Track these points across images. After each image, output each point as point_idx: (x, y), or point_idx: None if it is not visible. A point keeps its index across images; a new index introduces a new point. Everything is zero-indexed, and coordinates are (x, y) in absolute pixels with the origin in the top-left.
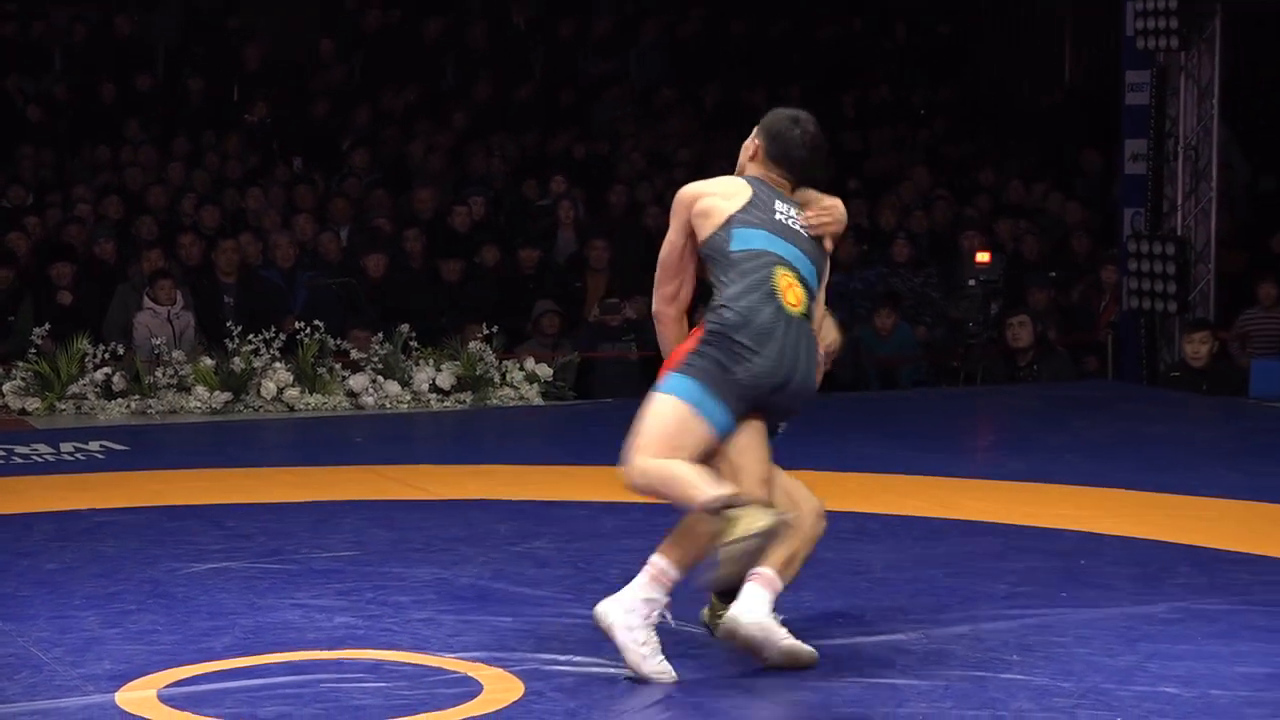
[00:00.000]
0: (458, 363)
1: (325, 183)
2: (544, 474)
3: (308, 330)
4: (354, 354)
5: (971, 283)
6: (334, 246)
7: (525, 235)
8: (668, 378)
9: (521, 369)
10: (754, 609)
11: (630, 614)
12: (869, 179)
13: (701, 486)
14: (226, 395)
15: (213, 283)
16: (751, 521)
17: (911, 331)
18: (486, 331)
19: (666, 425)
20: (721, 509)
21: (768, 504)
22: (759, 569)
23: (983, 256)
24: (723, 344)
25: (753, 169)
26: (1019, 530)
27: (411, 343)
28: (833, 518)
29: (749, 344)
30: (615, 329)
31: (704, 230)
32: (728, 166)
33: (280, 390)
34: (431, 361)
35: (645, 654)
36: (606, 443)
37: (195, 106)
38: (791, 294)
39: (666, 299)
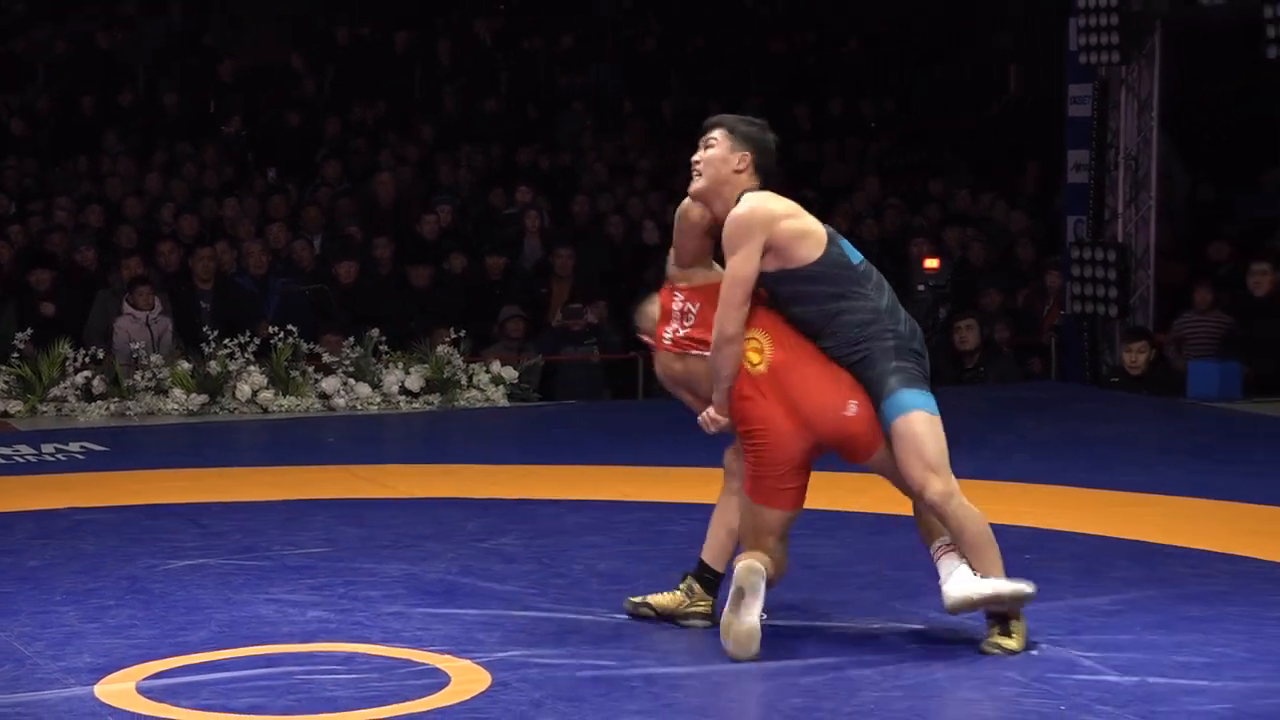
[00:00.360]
0: (426, 366)
1: (299, 193)
2: (509, 473)
3: (281, 335)
4: (326, 358)
5: (921, 288)
6: (307, 254)
7: (492, 243)
8: (913, 394)
9: (488, 372)
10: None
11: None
12: (823, 189)
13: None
14: (203, 398)
15: (190, 289)
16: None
17: None
18: (454, 336)
19: (941, 441)
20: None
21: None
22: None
23: (931, 263)
24: (909, 356)
25: (745, 181)
26: None
27: (381, 347)
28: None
29: (921, 350)
30: (578, 333)
31: (810, 250)
32: (685, 178)
33: (255, 393)
34: (401, 365)
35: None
36: (570, 443)
37: (173, 119)
38: None
39: (743, 320)
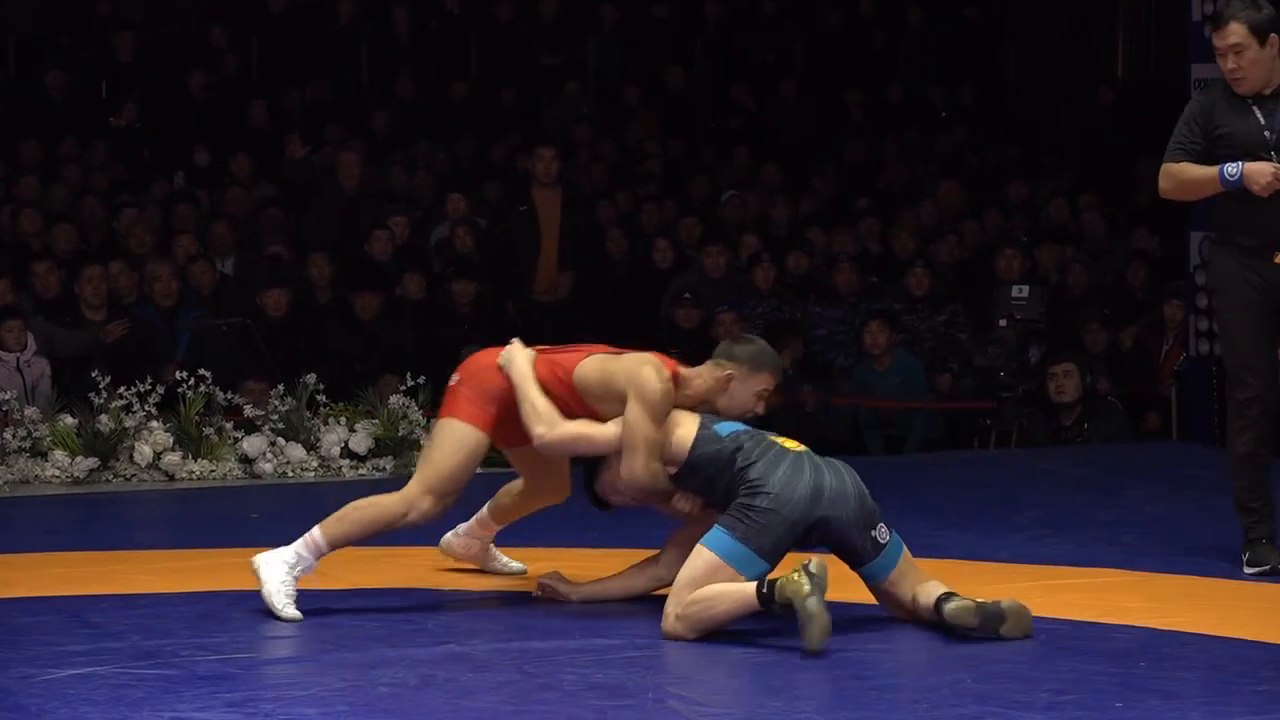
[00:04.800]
0: (375, 422)
1: (211, 201)
2: None
3: (191, 382)
4: (248, 411)
5: (1003, 323)
6: (208, 278)
7: (458, 265)
8: None
9: None
10: None
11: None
12: (881, 195)
13: None
14: (92, 461)
15: (76, 320)
16: None
17: (919, 367)
18: (410, 383)
19: None
20: None
21: None
22: None
23: (1019, 290)
24: None
25: None
26: (1064, 626)
27: (319, 397)
28: (835, 610)
29: None
30: None
31: None
32: (705, 183)
33: (158, 455)
34: (343, 420)
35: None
36: (555, 519)
37: (54, 106)
38: None
39: None
